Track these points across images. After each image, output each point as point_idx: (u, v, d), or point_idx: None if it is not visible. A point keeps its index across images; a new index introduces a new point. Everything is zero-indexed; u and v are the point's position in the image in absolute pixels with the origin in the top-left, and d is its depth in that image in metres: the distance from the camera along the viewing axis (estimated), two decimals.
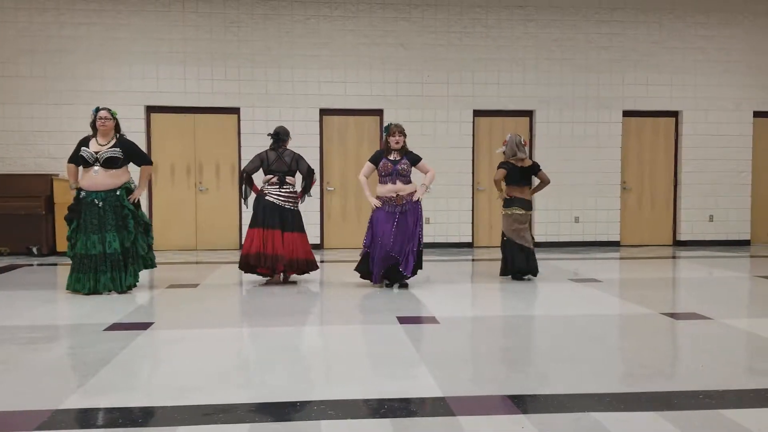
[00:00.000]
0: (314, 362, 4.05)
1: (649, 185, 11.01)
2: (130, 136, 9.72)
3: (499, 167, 7.09)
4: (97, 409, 3.07)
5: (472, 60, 10.40)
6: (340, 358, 4.08)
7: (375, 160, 6.50)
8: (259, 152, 6.95)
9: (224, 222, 10.30)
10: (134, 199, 6.23)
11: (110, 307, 5.51)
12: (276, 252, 6.68)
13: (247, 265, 6.82)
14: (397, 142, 6.36)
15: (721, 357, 4.04)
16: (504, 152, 7.09)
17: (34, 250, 9.20)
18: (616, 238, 10.82)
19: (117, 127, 6.29)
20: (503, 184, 7.08)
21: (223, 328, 5.00)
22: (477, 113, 10.52)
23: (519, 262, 7.02)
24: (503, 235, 7.12)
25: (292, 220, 6.79)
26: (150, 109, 10.06)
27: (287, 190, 6.81)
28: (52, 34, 9.75)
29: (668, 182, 11.02)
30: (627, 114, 10.76)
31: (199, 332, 4.78)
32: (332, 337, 4.74)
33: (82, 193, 6.09)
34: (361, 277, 6.63)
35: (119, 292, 6.13)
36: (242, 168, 7.10)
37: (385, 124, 10.09)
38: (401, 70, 10.30)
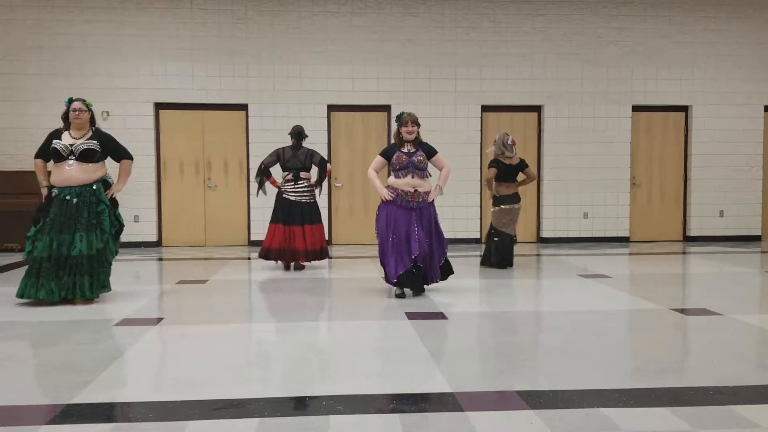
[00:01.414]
0: (323, 357, 4.06)
1: (658, 180, 10.96)
2: (139, 134, 9.98)
3: (489, 166, 7.55)
4: (108, 404, 3.09)
5: (480, 55, 10.38)
6: (348, 353, 4.09)
7: (387, 154, 5.86)
8: (276, 148, 7.58)
9: (233, 218, 10.33)
10: (112, 194, 5.58)
11: (120, 302, 5.53)
12: (296, 247, 7.29)
13: (266, 256, 7.46)
14: (410, 132, 5.75)
15: (731, 353, 4.02)
16: (494, 151, 7.55)
17: None
18: (626, 233, 10.78)
19: (92, 120, 5.67)
20: (493, 182, 7.55)
21: (232, 323, 5.02)
22: (485, 108, 10.49)
23: (501, 253, 7.57)
24: (491, 227, 7.64)
25: (310, 213, 7.38)
26: (159, 106, 10.09)
27: (302, 185, 7.36)
28: (61, 31, 9.79)
29: (678, 177, 10.97)
30: (636, 109, 10.71)
31: (209, 328, 4.80)
32: (341, 333, 4.75)
33: (54, 191, 5.45)
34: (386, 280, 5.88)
35: (83, 301, 5.39)
36: (261, 162, 7.52)
37: (393, 119, 10.16)
38: (408, 65, 10.28)
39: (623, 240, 10.74)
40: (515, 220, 7.63)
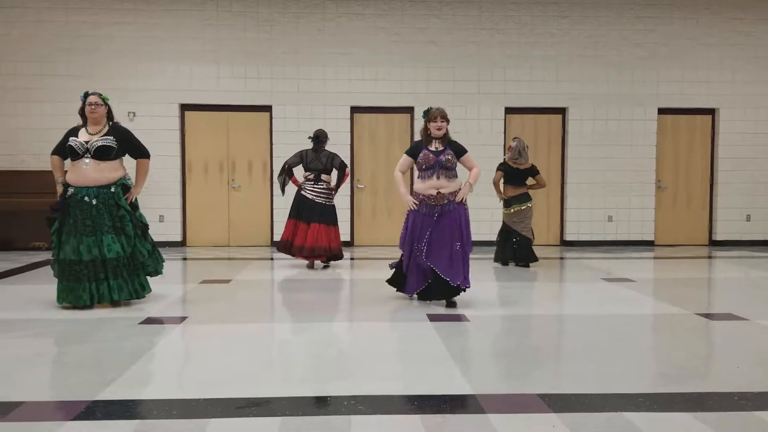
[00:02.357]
0: (344, 358, 4.07)
1: (684, 184, 10.83)
2: (164, 134, 10.08)
3: (497, 169, 7.99)
4: (132, 401, 3.13)
5: (504, 57, 10.34)
6: (370, 354, 4.09)
7: (413, 152, 5.50)
8: (300, 150, 7.82)
9: (256, 219, 10.39)
10: (132, 199, 5.38)
11: (145, 301, 5.60)
12: (305, 243, 7.54)
13: (282, 248, 7.75)
14: (439, 129, 5.34)
15: (756, 358, 3.96)
16: (510, 156, 7.94)
17: None
18: (651, 237, 10.66)
19: (109, 115, 5.43)
20: (501, 185, 7.97)
21: (254, 323, 5.05)
22: (508, 110, 10.44)
23: (507, 250, 7.95)
24: (503, 224, 8.04)
25: (324, 213, 7.61)
26: (184, 107, 10.19)
27: (322, 187, 7.63)
28: (88, 33, 9.93)
29: (704, 181, 10.83)
30: (662, 111, 10.60)
31: (232, 327, 4.84)
32: (363, 334, 4.76)
33: (70, 189, 5.21)
34: (396, 288, 5.85)
35: (115, 303, 5.29)
36: (285, 162, 7.84)
37: (416, 120, 10.16)
38: (432, 67, 10.28)
39: (648, 244, 10.63)
40: (526, 220, 7.89)
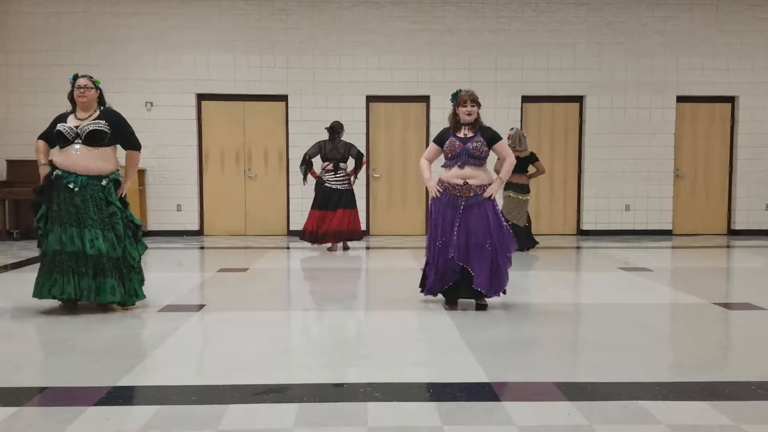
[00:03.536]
0: (361, 346, 4.10)
1: (703, 173, 10.73)
2: (182, 124, 10.15)
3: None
4: (152, 387, 3.18)
5: (521, 45, 10.28)
6: (386, 342, 4.12)
7: (440, 140, 5.00)
8: (319, 140, 8.28)
9: (272, 208, 10.45)
10: (122, 194, 4.89)
11: (163, 289, 5.66)
12: (332, 228, 8.07)
13: (305, 237, 8.27)
14: (469, 114, 4.83)
15: None
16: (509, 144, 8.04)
17: None
18: (669, 226, 10.59)
19: (101, 99, 4.97)
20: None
21: (271, 310, 5.10)
22: (525, 99, 10.38)
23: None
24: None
25: (346, 199, 8.18)
26: (201, 97, 10.23)
27: (341, 175, 8.17)
28: (107, 24, 9.99)
29: (723, 169, 10.72)
30: (681, 99, 10.49)
31: (249, 314, 4.89)
32: (378, 322, 4.78)
33: (57, 172, 4.72)
34: (422, 291, 5.18)
35: (106, 306, 4.79)
36: (305, 153, 8.31)
37: (432, 109, 10.14)
38: (448, 56, 10.24)
39: (666, 233, 10.56)
40: (522, 211, 8.06)
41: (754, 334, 4.36)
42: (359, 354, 3.89)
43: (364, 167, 8.68)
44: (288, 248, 8.96)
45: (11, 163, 9.70)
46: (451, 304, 5.02)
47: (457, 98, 4.92)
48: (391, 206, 10.55)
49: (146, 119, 9.86)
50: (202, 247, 9.10)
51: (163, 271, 7.24)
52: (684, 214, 10.70)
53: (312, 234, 8.18)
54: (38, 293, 4.73)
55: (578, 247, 9.15)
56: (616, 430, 2.64)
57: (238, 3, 10.09)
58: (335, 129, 8.18)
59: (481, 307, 4.89)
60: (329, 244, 8.34)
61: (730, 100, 10.57)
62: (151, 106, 9.97)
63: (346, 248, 8.48)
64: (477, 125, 4.90)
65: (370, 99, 10.32)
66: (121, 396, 3.05)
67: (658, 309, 5.24)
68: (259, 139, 10.38)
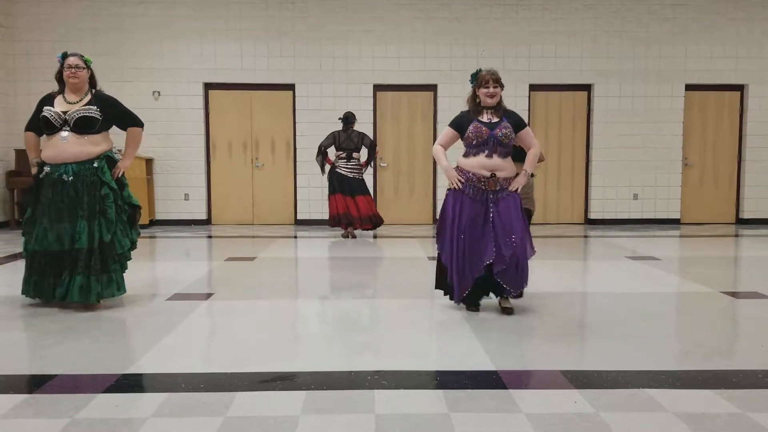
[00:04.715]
0: (368, 334, 4.12)
1: (711, 161, 10.68)
2: (189, 113, 10.15)
3: None
4: (161, 375, 3.20)
5: (529, 33, 10.22)
6: (393, 330, 4.13)
7: (458, 124, 4.42)
8: (333, 131, 8.56)
9: (280, 197, 10.46)
10: (118, 174, 4.56)
11: (172, 278, 5.68)
12: (352, 213, 8.46)
13: (335, 221, 8.58)
14: (491, 95, 4.30)
15: None
16: None
17: None
18: (677, 215, 10.55)
19: (92, 81, 4.60)
20: None
21: (279, 299, 5.11)
22: (533, 87, 10.34)
23: None
24: None
25: (358, 186, 8.51)
26: (208, 86, 10.23)
27: (354, 164, 8.47)
28: (114, 13, 9.99)
29: (732, 158, 10.66)
30: (689, 88, 10.42)
31: (257, 303, 4.91)
32: (385, 310, 4.79)
33: (46, 168, 4.43)
34: (445, 295, 4.66)
35: (87, 305, 4.46)
36: (320, 144, 8.55)
37: (439, 98, 10.11)
38: (456, 44, 10.20)
39: (674, 222, 10.52)
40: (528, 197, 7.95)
41: (762, 322, 4.35)
42: (366, 342, 3.90)
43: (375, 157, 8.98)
44: (295, 237, 8.98)
45: (20, 153, 9.71)
46: (473, 307, 4.50)
47: (477, 78, 4.39)
48: (398, 195, 10.54)
49: (154, 108, 9.88)
50: (209, 236, 9.13)
51: (172, 260, 7.28)
52: (692, 203, 10.66)
53: (344, 216, 8.49)
54: (27, 291, 4.56)
55: (586, 236, 9.13)
56: (622, 418, 2.65)
57: None
58: (349, 119, 8.45)
59: (507, 311, 4.43)
60: (343, 231, 8.69)
61: (739, 88, 10.49)
62: (159, 95, 9.98)
63: (352, 236, 8.69)
64: (501, 108, 4.38)
65: (377, 88, 10.30)
66: (130, 383, 3.07)
67: (666, 298, 5.23)
68: (266, 128, 10.38)
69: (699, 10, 10.27)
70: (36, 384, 3.04)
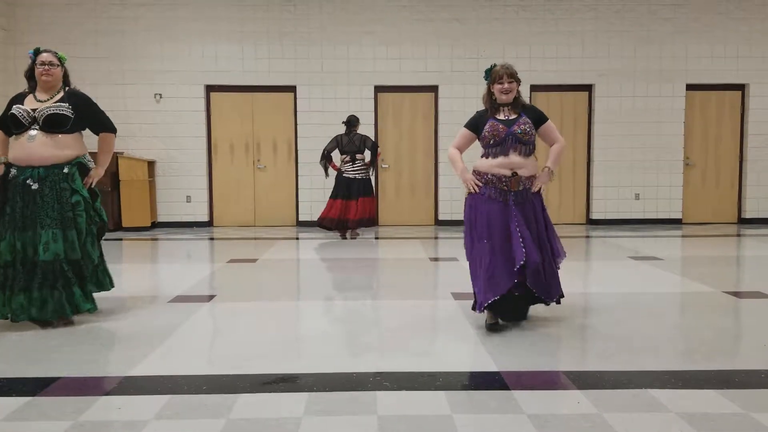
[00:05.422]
0: (370, 335, 4.12)
1: (713, 161, 10.67)
2: (191, 116, 10.16)
3: None
4: (164, 377, 3.20)
5: (529, 34, 10.22)
6: (395, 331, 4.13)
7: (474, 124, 4.12)
8: (336, 135, 8.70)
9: (282, 199, 10.46)
10: (91, 183, 4.23)
11: (174, 280, 5.69)
12: (348, 217, 8.56)
13: (321, 224, 8.77)
14: (507, 91, 4.02)
15: None
16: None
17: None
18: (678, 215, 10.54)
19: (66, 79, 4.35)
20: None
21: (281, 301, 5.12)
22: (534, 88, 10.34)
23: None
24: None
25: (363, 187, 8.66)
26: (209, 88, 10.24)
27: (359, 165, 8.64)
28: (115, 15, 10.00)
29: (733, 158, 10.65)
30: (690, 87, 10.41)
31: (259, 305, 4.91)
32: (387, 311, 4.79)
33: (12, 170, 4.09)
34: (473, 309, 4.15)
35: (62, 319, 4.10)
36: (323, 148, 8.72)
37: (440, 99, 10.11)
38: (456, 45, 10.20)
39: (676, 222, 10.51)
40: None
41: (765, 322, 4.35)
42: (368, 343, 3.90)
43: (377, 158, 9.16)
44: (297, 239, 8.99)
45: None
46: (496, 319, 4.08)
47: (491, 74, 4.11)
48: (399, 196, 10.55)
49: (155, 111, 9.89)
50: (211, 238, 9.14)
51: (173, 262, 7.28)
52: (694, 202, 10.65)
53: (333, 221, 8.63)
54: None
55: (588, 237, 9.13)
56: (625, 419, 2.64)
57: None
58: (352, 122, 8.62)
59: (523, 317, 4.15)
60: (342, 233, 8.78)
61: (741, 87, 10.49)
62: (160, 97, 9.99)
63: (354, 236, 8.81)
64: (519, 104, 4.10)
65: (379, 89, 10.30)
66: (132, 385, 3.08)
67: (668, 298, 5.22)
68: (268, 130, 10.39)
69: (699, 10, 10.27)
70: (39, 386, 3.04)
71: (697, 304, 5.00)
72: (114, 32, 10.01)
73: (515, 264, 3.82)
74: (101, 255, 4.35)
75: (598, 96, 10.35)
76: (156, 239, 8.95)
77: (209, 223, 10.39)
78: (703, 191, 10.69)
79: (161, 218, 10.19)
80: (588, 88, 10.44)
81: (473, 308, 4.08)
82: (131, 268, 6.40)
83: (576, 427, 2.57)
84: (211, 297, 5.12)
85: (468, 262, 4.12)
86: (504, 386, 3.03)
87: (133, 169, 9.55)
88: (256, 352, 3.61)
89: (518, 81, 4.07)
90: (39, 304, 3.99)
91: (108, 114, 4.44)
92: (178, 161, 10.17)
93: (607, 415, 2.67)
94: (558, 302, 4.17)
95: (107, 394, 2.95)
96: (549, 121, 4.17)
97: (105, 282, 4.38)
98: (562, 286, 4.17)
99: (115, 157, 9.42)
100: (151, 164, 9.93)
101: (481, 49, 10.19)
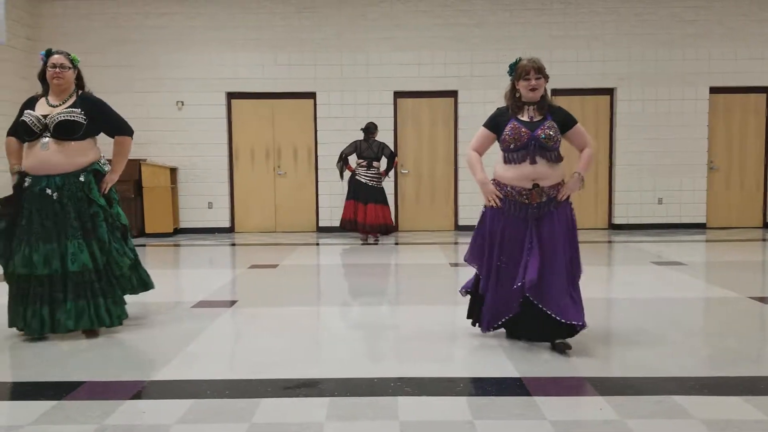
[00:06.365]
0: (391, 340, 4.12)
1: (737, 165, 10.54)
2: (212, 123, 10.24)
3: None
4: (187, 381, 3.23)
5: (550, 37, 10.18)
6: (415, 336, 4.12)
7: (494, 124, 3.76)
8: (354, 140, 8.99)
9: (302, 204, 10.51)
10: (106, 188, 4.08)
11: (196, 286, 5.74)
12: (365, 221, 8.78)
13: (346, 227, 9.02)
14: (534, 88, 3.64)
15: None
16: None
17: None
18: (702, 220, 10.42)
19: (79, 82, 4.17)
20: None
21: (302, 306, 5.14)
22: (555, 92, 10.22)
23: None
24: None
25: (376, 195, 8.85)
26: (230, 96, 10.33)
27: (373, 172, 8.87)
28: (137, 24, 10.13)
29: (759, 161, 10.51)
30: (714, 90, 10.29)
31: (280, 310, 4.94)
32: (408, 317, 4.79)
33: (27, 180, 3.95)
34: (474, 324, 4.02)
35: (88, 332, 4.02)
36: (341, 151, 8.96)
37: (460, 104, 10.10)
38: (476, 50, 10.19)
39: (699, 226, 10.39)
40: None
41: None
42: (389, 349, 3.90)
43: (395, 166, 9.30)
44: (317, 244, 9.02)
45: None
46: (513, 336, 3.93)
47: (517, 69, 3.72)
48: (419, 202, 10.54)
49: (178, 118, 9.99)
50: (233, 244, 9.20)
51: (196, 268, 7.34)
52: (718, 207, 10.52)
53: (348, 222, 8.90)
54: (12, 321, 4.02)
55: (610, 242, 9.05)
56: (648, 425, 2.62)
57: (263, 2, 10.14)
58: (370, 129, 8.87)
59: (563, 347, 3.60)
60: (363, 236, 9.02)
61: (765, 90, 10.35)
62: (182, 105, 10.09)
63: (376, 242, 8.95)
64: (545, 104, 3.71)
65: (398, 95, 10.32)
66: (156, 390, 3.11)
67: (692, 303, 5.17)
68: (288, 137, 10.45)
69: (722, 13, 10.16)
70: (65, 390, 3.08)
71: (722, 309, 4.94)
72: (136, 41, 10.13)
73: (516, 283, 3.58)
74: (136, 257, 4.26)
75: (620, 99, 10.28)
76: (178, 245, 9.03)
77: (230, 229, 10.46)
78: (728, 195, 10.56)
79: (183, 224, 10.28)
80: (610, 91, 10.37)
81: (482, 328, 3.89)
82: (154, 274, 6.43)
83: None
84: (233, 302, 5.15)
85: (476, 267, 3.88)
86: (526, 392, 3.02)
87: (155, 176, 9.66)
88: (277, 357, 3.63)
89: (546, 77, 3.67)
90: (75, 316, 3.89)
91: (130, 121, 4.33)
92: (199, 168, 10.26)
93: (629, 421, 2.65)
94: (575, 329, 3.61)
95: (132, 398, 2.98)
96: (578, 124, 3.77)
97: (149, 281, 4.39)
98: (584, 290, 3.83)
99: (138, 164, 9.54)
100: (173, 171, 10.03)
101: (501, 53, 10.16)
